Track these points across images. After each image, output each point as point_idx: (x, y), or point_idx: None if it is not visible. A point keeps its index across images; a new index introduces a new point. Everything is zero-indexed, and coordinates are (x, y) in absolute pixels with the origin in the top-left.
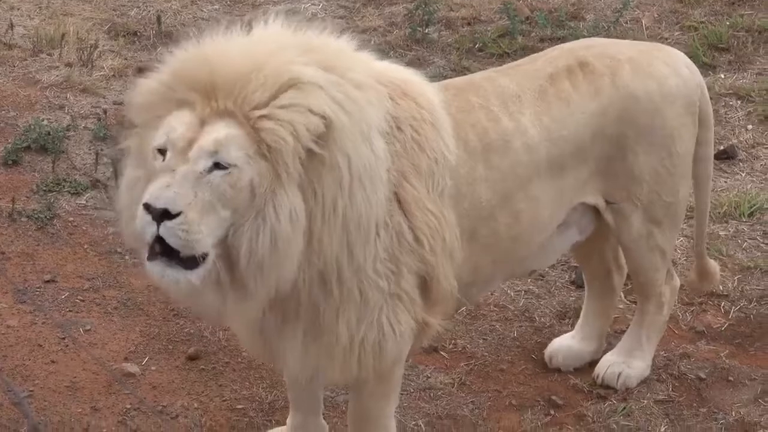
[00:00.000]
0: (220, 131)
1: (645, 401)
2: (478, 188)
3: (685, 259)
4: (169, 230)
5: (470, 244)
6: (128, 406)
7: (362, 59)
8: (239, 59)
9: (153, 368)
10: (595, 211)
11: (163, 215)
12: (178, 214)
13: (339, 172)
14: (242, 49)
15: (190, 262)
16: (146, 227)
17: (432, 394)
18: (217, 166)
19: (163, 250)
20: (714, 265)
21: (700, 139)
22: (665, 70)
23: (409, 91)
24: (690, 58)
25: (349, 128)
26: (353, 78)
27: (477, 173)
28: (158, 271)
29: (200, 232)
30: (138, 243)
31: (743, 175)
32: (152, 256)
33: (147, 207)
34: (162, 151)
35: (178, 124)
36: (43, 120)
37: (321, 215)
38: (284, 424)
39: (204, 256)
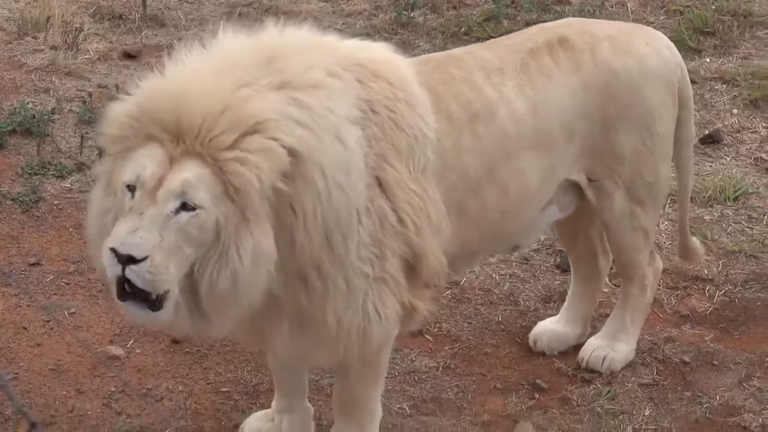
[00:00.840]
0: (189, 172)
1: (629, 385)
2: (465, 159)
3: (669, 243)
4: (135, 273)
5: (459, 218)
6: (113, 389)
7: (327, 47)
8: (202, 99)
9: (138, 351)
10: (577, 189)
11: (128, 260)
12: (143, 259)
13: (315, 185)
14: (204, 86)
15: (155, 302)
16: (112, 268)
17: (417, 378)
18: (185, 207)
19: (130, 290)
20: (697, 243)
21: (680, 120)
22: (645, 49)
23: (380, 71)
24: (675, 42)
25: (315, 142)
26: (308, 81)
27: (463, 144)
28: (131, 311)
29: (167, 273)
30: (104, 278)
31: (728, 159)
32: (122, 296)
33: (113, 251)
34: (131, 188)
35: (147, 161)
36: (28, 103)
37: (303, 227)
38: (269, 407)
39: (166, 293)
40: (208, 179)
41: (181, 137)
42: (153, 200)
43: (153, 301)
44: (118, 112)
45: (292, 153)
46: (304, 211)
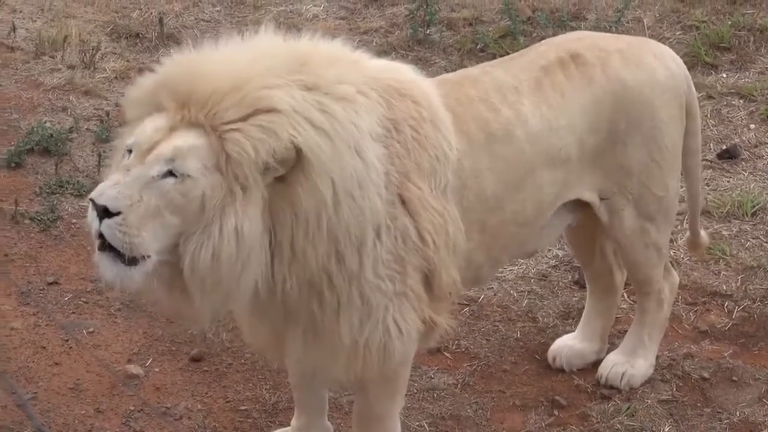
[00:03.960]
0: (183, 140)
1: (649, 401)
2: (483, 180)
3: (687, 259)
4: (108, 228)
5: (481, 234)
6: (132, 408)
7: (356, 63)
8: (220, 75)
9: (156, 370)
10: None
11: (104, 212)
12: (117, 214)
13: (320, 193)
14: (226, 65)
15: (132, 260)
16: (92, 221)
17: (435, 395)
18: (171, 173)
19: (109, 245)
20: (705, 236)
21: (688, 131)
22: (654, 62)
23: (406, 91)
24: (692, 57)
25: (329, 150)
26: (338, 91)
27: (482, 164)
28: (102, 263)
29: (139, 235)
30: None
31: (746, 174)
32: (101, 248)
33: (92, 201)
34: (129, 151)
35: (149, 127)
36: (45, 122)
37: (303, 232)
38: (288, 425)
39: (145, 257)
40: (201, 150)
41: (186, 106)
42: (142, 162)
43: (127, 258)
44: (141, 81)
45: (297, 152)
46: (306, 215)
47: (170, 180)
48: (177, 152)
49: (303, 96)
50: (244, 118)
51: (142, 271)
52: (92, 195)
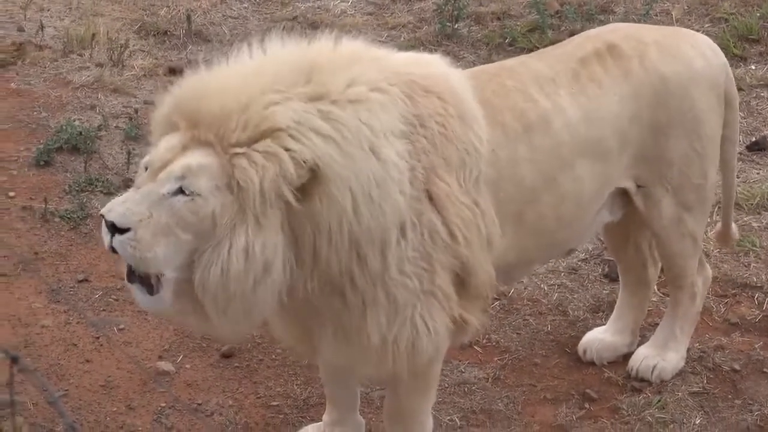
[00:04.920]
0: (194, 158)
1: (680, 394)
2: (521, 169)
3: (718, 251)
4: (120, 243)
5: (517, 228)
6: (163, 405)
7: (377, 60)
8: (226, 94)
9: (187, 366)
10: (626, 194)
11: (113, 228)
12: (127, 230)
13: (339, 202)
14: (231, 83)
15: (156, 289)
16: (104, 236)
17: (466, 389)
18: (182, 191)
19: (138, 277)
20: (735, 230)
21: (726, 121)
22: (691, 52)
23: (432, 86)
24: (721, 49)
25: (339, 156)
26: (347, 95)
27: (519, 154)
28: (135, 294)
29: (151, 251)
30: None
31: None
32: (129, 279)
33: (102, 217)
34: (146, 169)
35: (162, 145)
36: (74, 120)
37: (327, 242)
38: (319, 420)
39: (159, 276)
40: (212, 169)
41: (196, 125)
42: (154, 180)
43: (151, 285)
44: (160, 101)
45: (310, 168)
46: (328, 225)
47: (181, 198)
48: (187, 170)
49: (305, 108)
50: (249, 143)
51: (166, 296)
52: (102, 211)
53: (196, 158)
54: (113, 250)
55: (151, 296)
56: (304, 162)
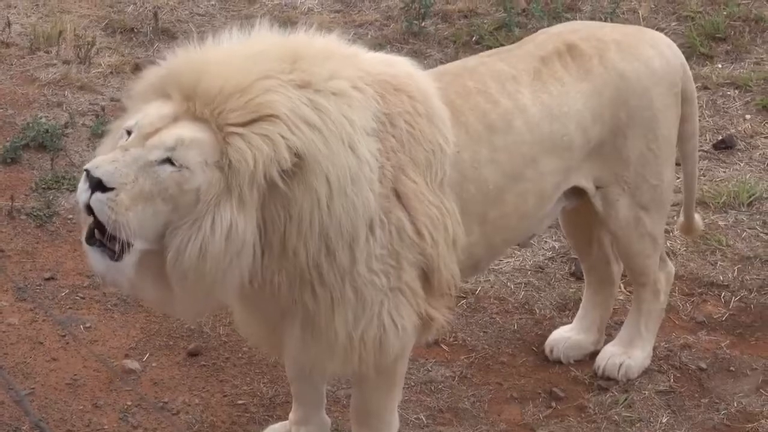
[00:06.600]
0: (187, 132)
1: (646, 392)
2: (484, 171)
3: (684, 249)
4: (98, 202)
5: (482, 226)
6: (129, 403)
7: (350, 58)
8: (225, 74)
9: (154, 365)
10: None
11: (97, 185)
12: (111, 189)
13: (315, 191)
14: (230, 64)
15: (119, 255)
16: (81, 193)
17: (433, 387)
18: (170, 161)
19: (98, 240)
20: (699, 220)
21: (685, 116)
22: (650, 51)
23: (401, 85)
24: (687, 48)
25: (323, 147)
26: (331, 87)
27: (481, 156)
28: (91, 258)
29: (126, 216)
30: (78, 215)
31: (742, 164)
32: (90, 239)
33: (87, 172)
34: (129, 132)
35: (153, 111)
36: (41, 118)
37: (296, 231)
38: (286, 419)
39: (128, 246)
40: (204, 144)
41: (192, 99)
42: (142, 144)
43: (113, 251)
44: (145, 74)
45: (297, 155)
46: (300, 215)
47: (167, 168)
48: (179, 142)
49: (297, 96)
50: (247, 124)
51: (130, 263)
52: (88, 166)
53: (189, 131)
54: (88, 208)
55: (112, 262)
56: (294, 150)
